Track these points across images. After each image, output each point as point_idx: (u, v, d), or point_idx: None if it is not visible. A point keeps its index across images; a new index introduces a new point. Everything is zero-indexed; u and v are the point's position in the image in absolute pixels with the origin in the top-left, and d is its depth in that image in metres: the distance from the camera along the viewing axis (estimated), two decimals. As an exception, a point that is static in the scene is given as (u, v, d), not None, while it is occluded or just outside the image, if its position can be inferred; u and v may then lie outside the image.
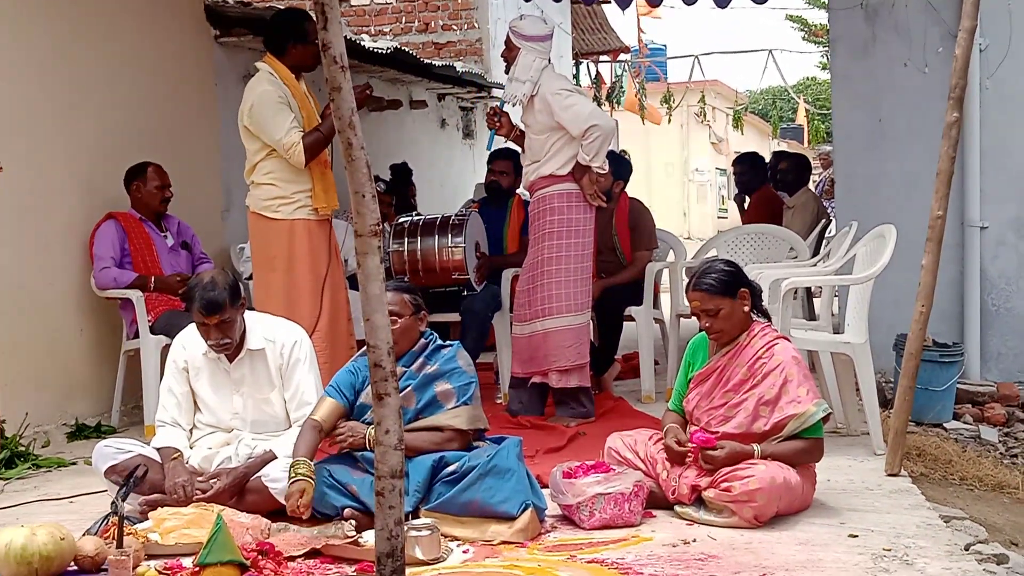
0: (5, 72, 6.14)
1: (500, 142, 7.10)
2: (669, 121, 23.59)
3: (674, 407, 4.69)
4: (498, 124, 6.46)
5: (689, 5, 9.73)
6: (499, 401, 6.84)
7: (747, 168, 9.93)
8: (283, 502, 4.31)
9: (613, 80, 20.91)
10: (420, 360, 4.49)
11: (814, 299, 9.12)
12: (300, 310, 5.57)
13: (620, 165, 7.18)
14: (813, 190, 10.19)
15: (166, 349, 5.09)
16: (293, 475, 4.21)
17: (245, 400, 4.68)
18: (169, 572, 3.76)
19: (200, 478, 4.45)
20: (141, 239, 6.59)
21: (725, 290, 4.44)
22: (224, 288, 4.48)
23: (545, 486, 4.46)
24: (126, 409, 6.77)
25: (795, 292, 5.74)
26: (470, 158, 13.83)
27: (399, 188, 9.47)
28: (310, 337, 5.01)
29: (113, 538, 3.85)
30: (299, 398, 4.65)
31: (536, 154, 6.21)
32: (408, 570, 3.19)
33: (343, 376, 4.51)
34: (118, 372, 6.69)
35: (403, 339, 4.42)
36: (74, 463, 5.79)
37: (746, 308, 4.48)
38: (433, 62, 11.54)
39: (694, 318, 4.60)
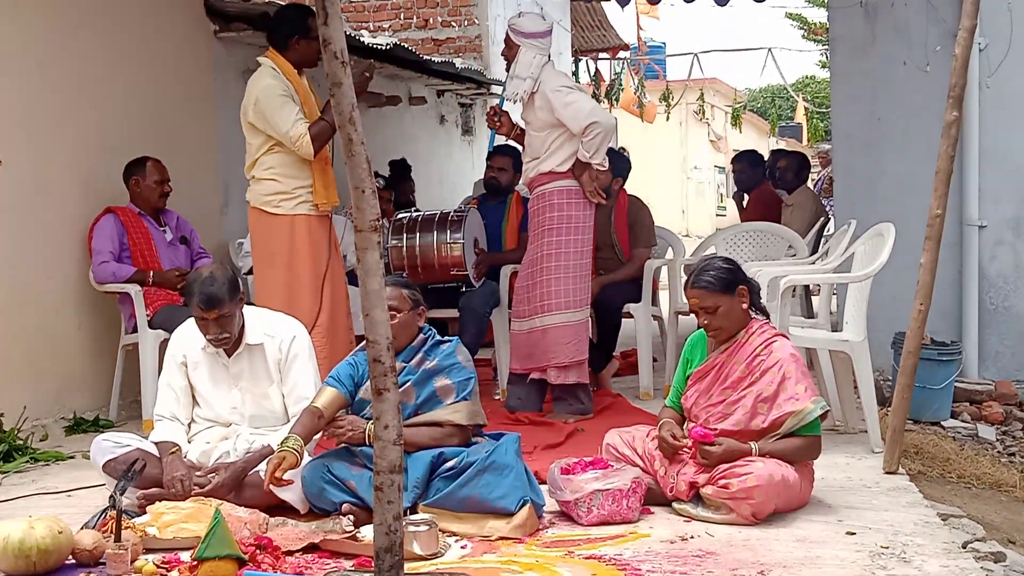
0: (5, 67, 6.13)
1: (501, 141, 7.11)
2: (667, 119, 23.62)
3: (671, 404, 4.69)
4: (498, 124, 6.47)
5: (688, 2, 9.74)
6: (497, 397, 6.84)
7: (746, 166, 9.93)
8: (282, 497, 4.31)
9: (612, 77, 20.91)
10: (419, 355, 4.49)
11: (812, 297, 9.13)
12: (300, 305, 5.57)
13: (619, 162, 7.18)
14: (812, 188, 10.20)
15: (164, 343, 5.09)
16: (280, 448, 4.21)
17: (243, 395, 4.68)
18: (167, 566, 3.76)
19: (198, 472, 4.46)
20: (140, 233, 6.59)
21: (724, 287, 4.44)
22: (223, 283, 4.48)
23: (543, 482, 4.46)
24: (124, 403, 6.77)
25: (793, 290, 5.75)
26: (469, 154, 13.82)
27: (398, 184, 9.47)
28: (310, 332, 5.01)
29: (111, 532, 3.85)
30: (297, 393, 4.65)
31: (536, 151, 6.21)
32: (406, 565, 3.19)
33: (344, 368, 4.51)
34: (116, 366, 6.69)
35: (402, 334, 4.42)
36: (72, 457, 5.79)
37: (744, 305, 4.49)
38: (432, 58, 11.53)
39: (692, 315, 4.61)
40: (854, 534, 4.02)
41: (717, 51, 25.63)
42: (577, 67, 19.57)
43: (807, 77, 38.79)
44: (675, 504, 4.37)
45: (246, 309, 4.71)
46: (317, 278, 5.72)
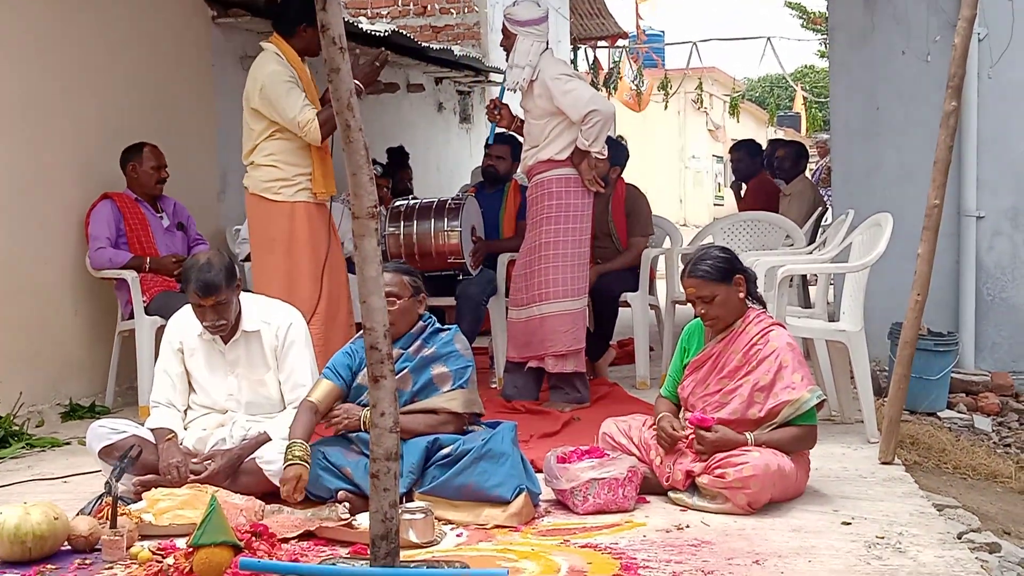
0: (2, 53, 6.11)
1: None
2: (666, 107, 23.58)
3: (667, 393, 4.69)
4: (498, 117, 6.47)
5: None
6: (494, 386, 6.84)
7: (744, 155, 9.92)
8: (277, 484, 4.31)
9: (611, 66, 20.88)
10: (418, 343, 4.49)
11: (810, 287, 9.13)
12: (300, 292, 5.57)
13: (617, 151, 7.16)
14: (810, 178, 10.19)
15: (161, 330, 5.09)
16: (289, 457, 4.20)
17: (240, 381, 4.68)
18: (163, 552, 3.76)
19: (194, 459, 4.45)
20: (137, 220, 6.58)
21: (721, 277, 4.44)
22: (220, 270, 4.47)
23: (539, 471, 4.46)
24: (120, 390, 6.77)
25: (791, 280, 5.74)
26: (467, 142, 13.81)
27: (396, 172, 9.47)
28: (309, 320, 5.00)
29: (107, 518, 3.85)
30: (294, 380, 4.65)
31: (535, 139, 6.20)
32: (402, 553, 3.20)
33: (340, 358, 4.51)
34: (113, 352, 6.69)
35: (401, 321, 4.42)
36: (68, 443, 5.78)
37: (741, 295, 4.48)
38: (431, 45, 11.51)
39: (689, 305, 4.60)
40: (849, 524, 4.03)
41: (716, 40, 25.49)
42: (576, 55, 19.54)
43: (806, 66, 38.74)
44: (671, 493, 4.37)
45: (243, 296, 4.70)
46: (317, 265, 5.71)
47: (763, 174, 9.75)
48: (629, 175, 7.52)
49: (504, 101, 6.46)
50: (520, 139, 6.60)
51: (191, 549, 3.55)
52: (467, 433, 4.38)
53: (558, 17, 15.99)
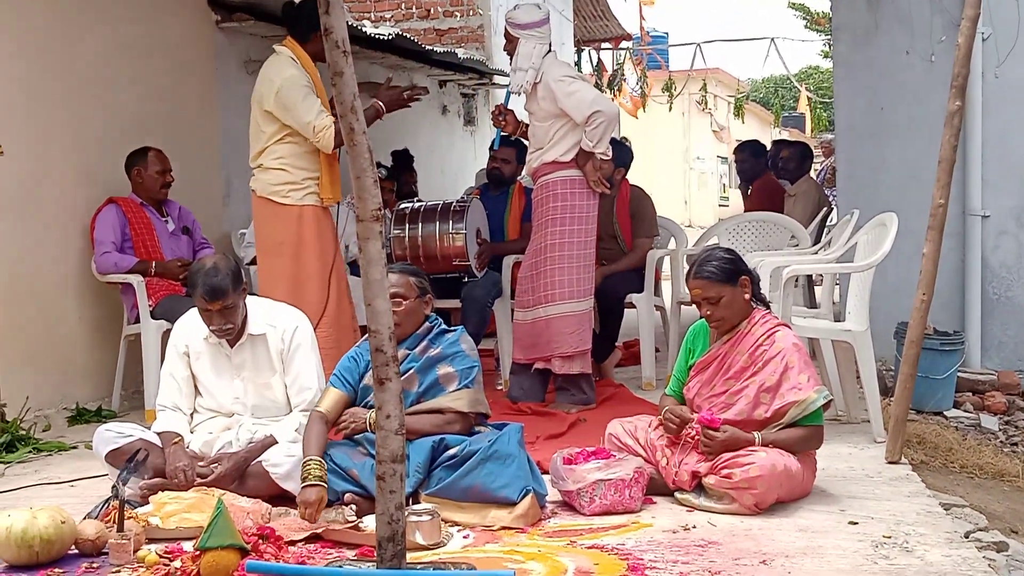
0: (7, 56, 6.13)
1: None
2: (670, 109, 23.56)
3: (672, 392, 4.69)
4: (503, 123, 6.48)
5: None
6: (500, 387, 6.85)
7: (748, 156, 9.92)
8: (284, 487, 4.32)
9: (615, 68, 20.87)
10: (424, 343, 4.49)
11: (815, 287, 9.12)
12: (307, 296, 5.57)
13: (621, 152, 7.16)
14: (815, 178, 10.18)
15: (167, 334, 5.09)
16: (307, 476, 4.13)
17: (246, 385, 4.68)
18: (170, 556, 3.76)
19: (201, 463, 4.45)
20: (142, 224, 6.59)
21: (726, 278, 4.43)
22: (227, 274, 4.47)
23: (546, 472, 4.46)
24: (127, 394, 6.78)
25: (796, 280, 5.73)
26: (471, 144, 13.81)
27: (400, 174, 9.47)
28: (317, 324, 4.99)
29: (114, 522, 3.86)
30: (300, 383, 4.65)
31: (540, 141, 6.21)
32: (408, 555, 3.20)
33: (346, 363, 4.52)
34: (119, 357, 6.70)
35: (407, 321, 4.43)
36: (75, 447, 5.79)
37: (747, 296, 4.48)
38: (434, 48, 11.51)
39: (695, 306, 4.60)
40: (856, 524, 4.02)
41: (720, 41, 25.50)
42: (580, 57, 19.53)
43: (810, 67, 38.68)
44: (677, 494, 4.36)
45: (248, 299, 4.71)
46: (324, 269, 5.72)
47: (768, 175, 9.75)
48: (633, 176, 7.53)
49: (510, 107, 6.47)
50: (525, 143, 6.60)
51: (198, 552, 3.56)
52: (474, 434, 4.38)
53: (562, 19, 16.00)
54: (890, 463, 4.94)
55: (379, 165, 8.25)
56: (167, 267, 6.49)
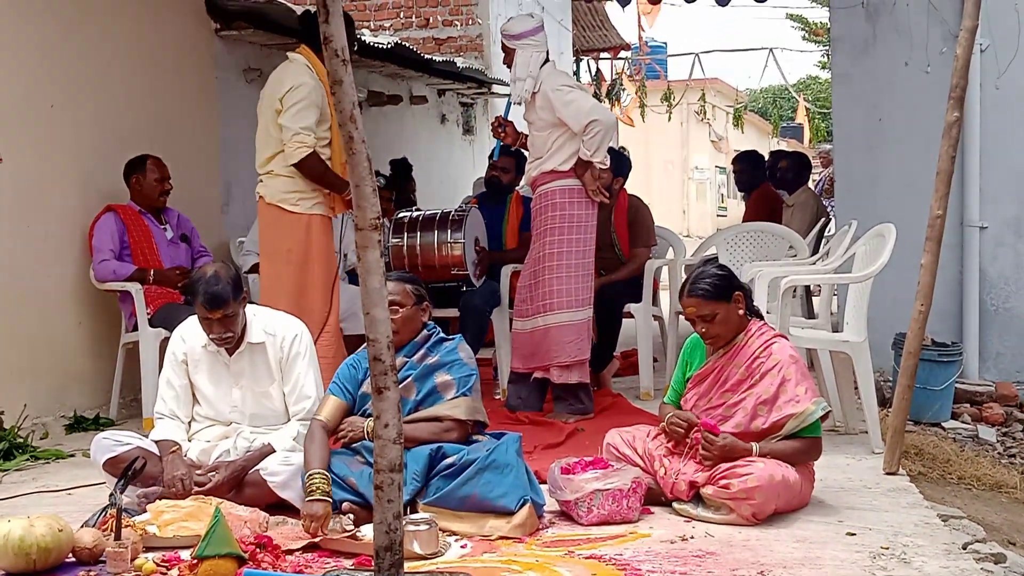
0: (5, 64, 6.13)
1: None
2: (668, 119, 23.60)
3: (670, 402, 4.68)
4: (503, 134, 6.50)
5: (690, 2, 9.73)
6: (498, 397, 6.84)
7: (746, 167, 9.92)
8: (281, 495, 4.31)
9: (613, 78, 20.91)
10: (422, 351, 4.49)
11: (813, 298, 9.12)
12: (311, 305, 5.57)
13: (619, 162, 7.17)
14: (813, 189, 10.19)
15: (165, 342, 5.09)
16: (312, 489, 4.10)
17: (244, 393, 4.67)
18: (167, 564, 3.76)
19: (198, 471, 4.45)
20: (140, 232, 6.59)
21: (720, 295, 4.42)
22: (228, 282, 4.48)
23: (543, 482, 4.46)
24: (124, 402, 6.77)
25: (794, 290, 5.74)
26: (470, 153, 13.82)
27: (399, 183, 9.47)
28: (320, 333, 4.98)
29: (111, 530, 3.85)
30: (298, 392, 4.64)
31: (539, 150, 6.22)
32: (406, 564, 3.19)
33: (345, 371, 4.52)
34: (117, 364, 6.69)
35: (405, 329, 4.43)
36: (72, 455, 5.78)
37: (741, 311, 4.47)
38: (433, 58, 11.53)
39: (689, 323, 4.59)
40: (854, 535, 4.02)
41: (718, 51, 25.59)
42: (578, 67, 19.57)
43: (809, 77, 38.77)
44: (675, 504, 4.36)
45: (248, 308, 4.70)
46: (329, 279, 5.73)
47: (766, 185, 9.76)
48: (632, 186, 7.53)
49: (509, 118, 6.49)
50: (525, 153, 6.61)
51: (195, 561, 3.56)
52: (472, 443, 4.38)
53: (561, 29, 16.02)
54: (888, 474, 4.93)
55: (378, 174, 8.25)
56: (165, 275, 6.49)
